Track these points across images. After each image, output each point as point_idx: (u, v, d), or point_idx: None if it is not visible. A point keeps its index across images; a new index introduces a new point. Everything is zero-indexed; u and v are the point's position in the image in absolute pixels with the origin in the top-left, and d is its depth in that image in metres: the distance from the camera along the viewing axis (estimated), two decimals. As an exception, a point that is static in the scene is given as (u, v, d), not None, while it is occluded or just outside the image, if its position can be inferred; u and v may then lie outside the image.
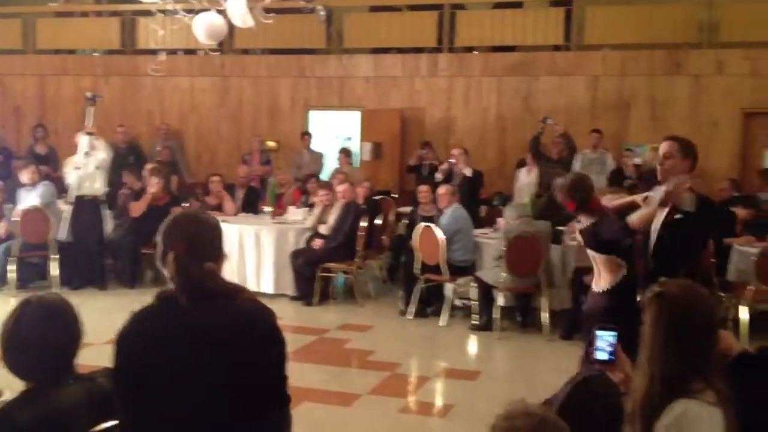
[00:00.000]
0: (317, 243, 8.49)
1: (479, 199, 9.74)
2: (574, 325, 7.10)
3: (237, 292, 2.23)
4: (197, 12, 7.15)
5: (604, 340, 2.78)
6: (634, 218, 4.35)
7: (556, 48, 11.22)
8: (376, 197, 10.11)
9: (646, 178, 8.77)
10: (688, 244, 4.32)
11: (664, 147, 4.25)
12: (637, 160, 9.76)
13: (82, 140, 8.52)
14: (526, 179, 9.85)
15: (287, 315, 8.02)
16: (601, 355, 2.78)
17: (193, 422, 2.13)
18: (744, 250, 7.26)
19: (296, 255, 8.47)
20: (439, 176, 9.35)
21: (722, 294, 7.16)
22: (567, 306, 7.35)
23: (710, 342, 2.47)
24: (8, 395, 2.97)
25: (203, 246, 2.23)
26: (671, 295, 2.48)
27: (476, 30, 11.40)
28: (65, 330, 2.44)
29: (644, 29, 10.68)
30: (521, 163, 10.35)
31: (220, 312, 2.17)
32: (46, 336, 2.39)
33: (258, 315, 2.23)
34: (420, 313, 7.84)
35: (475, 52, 11.67)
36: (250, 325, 2.20)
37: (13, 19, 13.43)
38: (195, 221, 2.30)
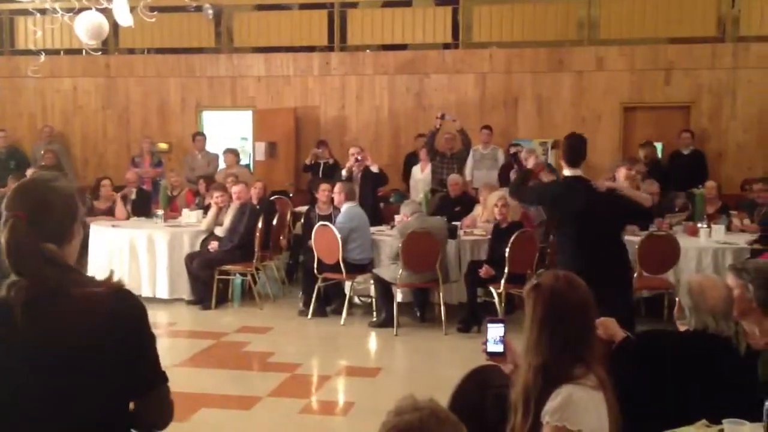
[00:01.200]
0: (213, 245, 8.36)
1: (378, 196, 9.80)
2: (470, 318, 7.28)
3: (75, 283, 1.95)
4: (77, 11, 6.91)
5: (494, 333, 2.86)
6: None
7: (446, 46, 11.44)
8: (272, 197, 10.04)
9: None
10: None
11: None
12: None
13: None
14: (420, 176, 9.99)
15: (183, 319, 7.87)
16: (492, 347, 2.86)
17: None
18: (628, 240, 7.59)
19: (191, 258, 8.31)
20: (344, 173, 9.19)
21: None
22: (463, 300, 7.51)
23: (587, 329, 2.58)
24: None
25: (48, 221, 1.94)
26: (545, 285, 2.58)
27: (367, 28, 11.48)
28: None
29: (528, 27, 11.05)
30: (411, 159, 10.49)
31: (52, 304, 1.90)
32: None
33: (96, 303, 1.94)
34: (319, 313, 7.84)
35: (367, 50, 11.74)
36: (86, 316, 1.93)
37: None
38: (45, 189, 1.98)
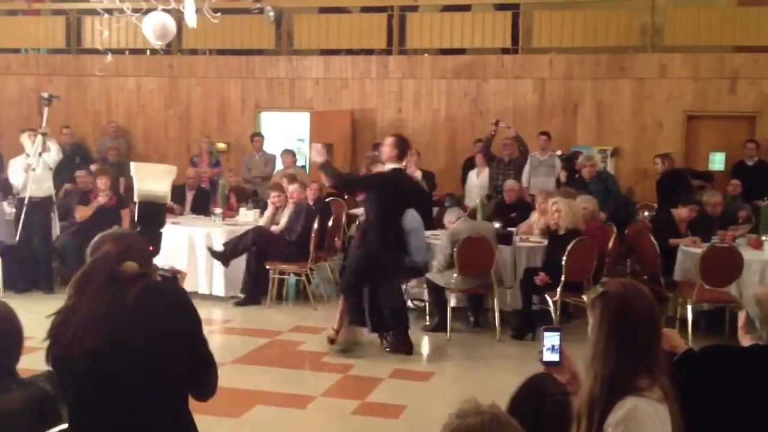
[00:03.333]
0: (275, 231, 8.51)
1: (431, 200, 9.79)
2: (525, 325, 7.21)
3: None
4: (144, 11, 7.06)
5: (550, 341, 2.83)
6: None
7: (504, 51, 11.37)
8: (328, 199, 10.11)
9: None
10: None
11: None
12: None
13: (36, 140, 8.34)
14: (477, 181, 9.96)
15: (238, 317, 7.97)
16: (548, 356, 2.83)
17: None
18: (689, 251, 7.46)
19: (248, 242, 8.41)
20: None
21: (668, 293, 7.35)
22: (518, 306, 7.45)
23: (653, 339, 2.53)
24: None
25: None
26: (612, 294, 2.53)
27: (426, 32, 11.48)
28: (5, 335, 2.39)
29: (589, 33, 10.91)
30: (469, 164, 10.45)
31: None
32: None
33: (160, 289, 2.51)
34: (372, 315, 7.85)
35: (425, 54, 11.75)
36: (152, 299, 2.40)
37: (-47, 17, 13.10)
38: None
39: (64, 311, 2.36)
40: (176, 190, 9.83)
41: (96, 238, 2.55)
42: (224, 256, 8.35)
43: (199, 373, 2.41)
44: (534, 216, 8.47)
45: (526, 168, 10.15)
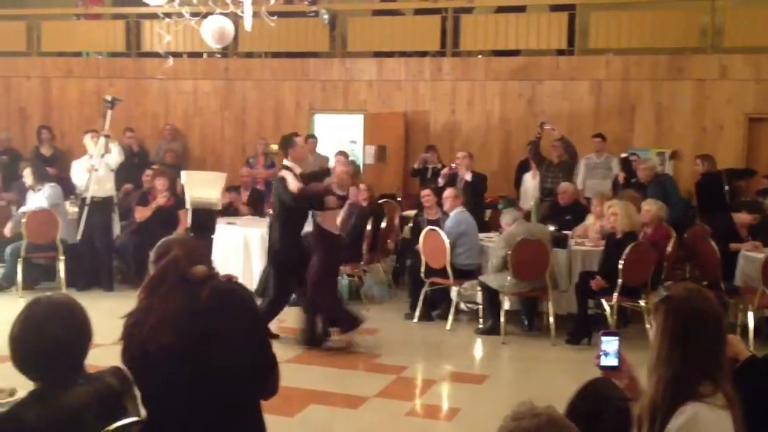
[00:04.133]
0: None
1: (484, 202, 9.74)
2: (580, 330, 7.13)
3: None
4: (203, 15, 7.18)
5: (609, 346, 2.79)
6: None
7: (560, 52, 11.26)
8: (381, 200, 10.15)
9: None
10: None
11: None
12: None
13: (99, 142, 8.56)
14: (532, 183, 9.86)
15: (292, 317, 8.03)
16: (606, 361, 2.79)
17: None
18: (751, 256, 7.28)
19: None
20: (440, 181, 9.35)
21: (730, 299, 7.19)
22: (573, 310, 7.37)
23: (718, 345, 2.48)
24: (21, 394, 3.01)
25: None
26: (677, 298, 2.49)
27: (480, 34, 11.43)
28: (74, 330, 2.45)
29: (647, 34, 10.72)
30: (523, 166, 10.37)
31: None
32: (55, 336, 2.40)
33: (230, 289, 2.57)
34: (425, 317, 7.86)
35: (479, 56, 11.70)
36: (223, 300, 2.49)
37: (18, 22, 13.48)
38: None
39: (137, 312, 2.43)
40: (231, 191, 9.99)
41: (160, 243, 2.63)
42: None
43: (264, 371, 2.46)
44: (590, 219, 8.37)
45: (581, 170, 10.02)
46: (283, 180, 6.65)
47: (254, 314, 2.53)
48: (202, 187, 8.82)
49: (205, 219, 8.66)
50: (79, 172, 8.70)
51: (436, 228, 7.81)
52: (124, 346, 2.43)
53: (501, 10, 11.57)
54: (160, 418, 2.40)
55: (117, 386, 2.43)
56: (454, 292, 7.84)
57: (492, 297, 7.40)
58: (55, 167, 10.91)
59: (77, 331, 2.45)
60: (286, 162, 6.90)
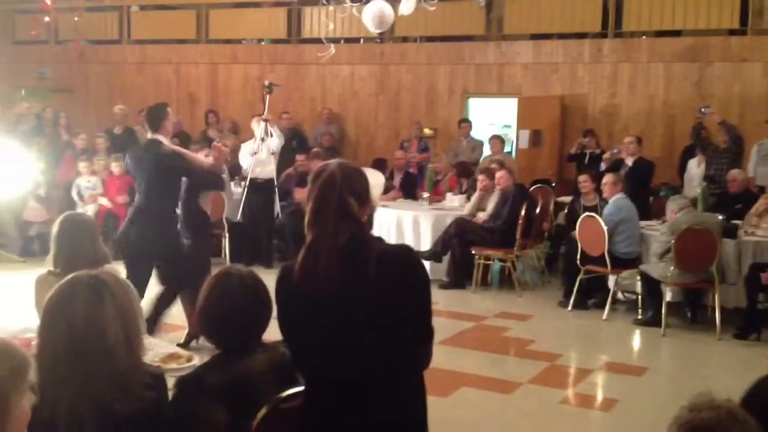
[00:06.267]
0: (479, 218, 8.58)
1: (649, 189, 9.34)
2: (749, 325, 6.72)
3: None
4: (362, 2, 7.28)
5: None
6: None
7: (731, 32, 10.58)
8: (534, 186, 9.99)
9: None
10: None
11: None
12: None
13: (260, 127, 8.92)
14: (697, 170, 9.36)
15: (443, 301, 8.06)
16: None
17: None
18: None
19: (451, 234, 8.51)
20: (603, 165, 9.08)
21: None
22: (741, 304, 6.95)
23: None
24: (196, 361, 3.19)
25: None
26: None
27: (645, 14, 10.93)
28: (261, 302, 2.57)
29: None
30: (688, 152, 9.86)
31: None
32: (245, 306, 2.54)
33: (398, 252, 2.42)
34: (580, 305, 7.67)
35: (643, 37, 11.20)
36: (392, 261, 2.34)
37: (189, 11, 14.24)
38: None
39: (309, 244, 2.36)
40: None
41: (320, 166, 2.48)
42: (436, 255, 8.49)
43: (424, 340, 2.43)
44: (761, 207, 7.84)
45: (753, 157, 9.42)
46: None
47: (422, 279, 2.47)
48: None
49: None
50: (245, 155, 9.11)
51: (594, 214, 7.59)
52: (297, 280, 2.34)
53: (668, -13, 11.00)
54: (316, 380, 2.42)
55: (289, 356, 2.52)
56: (611, 280, 7.60)
57: (653, 287, 7.10)
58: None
59: (263, 303, 2.57)
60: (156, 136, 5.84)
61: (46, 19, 12.93)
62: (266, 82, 8.97)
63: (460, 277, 8.53)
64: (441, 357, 6.12)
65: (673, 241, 6.80)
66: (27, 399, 1.76)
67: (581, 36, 11.48)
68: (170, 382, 2.48)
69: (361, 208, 2.39)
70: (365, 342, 2.32)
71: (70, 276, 2.28)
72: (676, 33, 10.92)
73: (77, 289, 2.22)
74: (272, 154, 8.98)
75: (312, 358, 2.41)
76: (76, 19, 13.76)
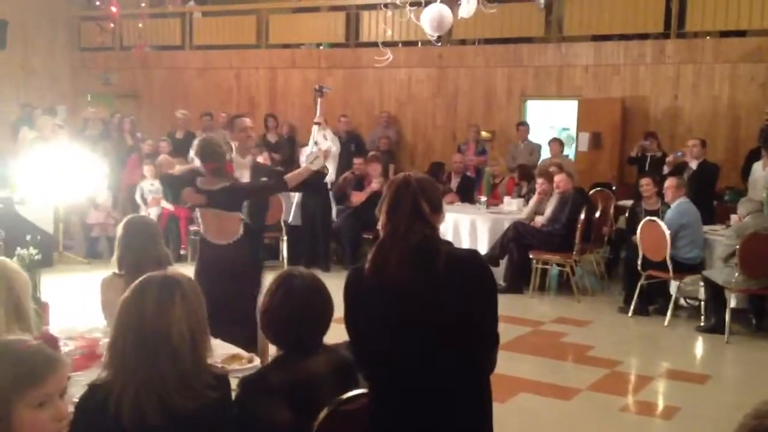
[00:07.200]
0: (538, 221, 8.49)
1: (713, 193, 9.13)
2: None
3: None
4: (423, 5, 7.27)
5: None
6: None
7: (801, 32, 10.27)
8: (593, 190, 9.85)
9: None
10: None
11: None
12: None
13: (312, 131, 9.00)
14: (762, 173, 9.10)
15: (500, 305, 7.96)
16: None
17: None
18: None
19: (509, 238, 8.45)
20: (666, 168, 8.91)
21: None
22: (810, 312, 6.76)
23: None
24: (257, 362, 3.25)
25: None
26: None
27: (709, 14, 10.68)
28: (324, 304, 2.61)
29: None
30: (754, 155, 9.60)
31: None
32: (309, 308, 2.58)
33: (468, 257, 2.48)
34: (640, 311, 7.54)
35: (707, 37, 10.95)
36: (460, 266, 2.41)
37: (249, 16, 14.46)
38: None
39: (381, 242, 2.43)
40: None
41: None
42: (493, 259, 8.45)
43: (489, 346, 2.44)
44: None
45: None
46: None
47: (490, 284, 2.49)
48: None
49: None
50: (304, 160, 9.21)
51: (656, 219, 7.45)
52: (368, 275, 2.42)
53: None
54: (385, 382, 2.44)
55: (350, 359, 2.56)
56: (673, 286, 7.45)
57: (716, 293, 6.95)
58: (279, 153, 11.61)
59: (325, 304, 2.61)
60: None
61: (111, 25, 13.28)
62: (316, 86, 9.04)
63: (517, 282, 8.47)
64: (498, 362, 6.11)
65: (737, 246, 6.64)
66: (46, 406, 1.81)
67: (643, 37, 11.28)
68: (232, 382, 2.53)
69: (433, 215, 2.46)
70: (433, 347, 2.34)
71: (145, 275, 2.36)
72: (741, 33, 10.65)
73: (150, 286, 2.29)
74: (325, 157, 9.04)
75: (379, 362, 2.44)
76: (140, 25, 14.13)
